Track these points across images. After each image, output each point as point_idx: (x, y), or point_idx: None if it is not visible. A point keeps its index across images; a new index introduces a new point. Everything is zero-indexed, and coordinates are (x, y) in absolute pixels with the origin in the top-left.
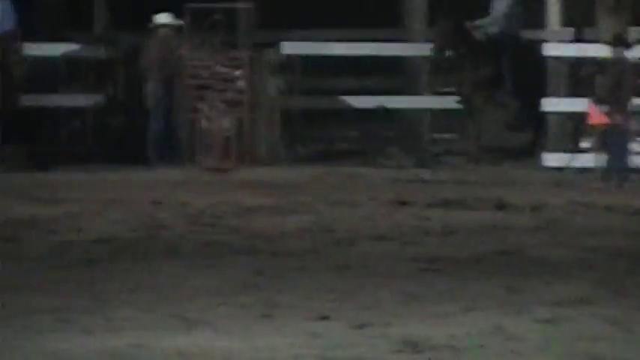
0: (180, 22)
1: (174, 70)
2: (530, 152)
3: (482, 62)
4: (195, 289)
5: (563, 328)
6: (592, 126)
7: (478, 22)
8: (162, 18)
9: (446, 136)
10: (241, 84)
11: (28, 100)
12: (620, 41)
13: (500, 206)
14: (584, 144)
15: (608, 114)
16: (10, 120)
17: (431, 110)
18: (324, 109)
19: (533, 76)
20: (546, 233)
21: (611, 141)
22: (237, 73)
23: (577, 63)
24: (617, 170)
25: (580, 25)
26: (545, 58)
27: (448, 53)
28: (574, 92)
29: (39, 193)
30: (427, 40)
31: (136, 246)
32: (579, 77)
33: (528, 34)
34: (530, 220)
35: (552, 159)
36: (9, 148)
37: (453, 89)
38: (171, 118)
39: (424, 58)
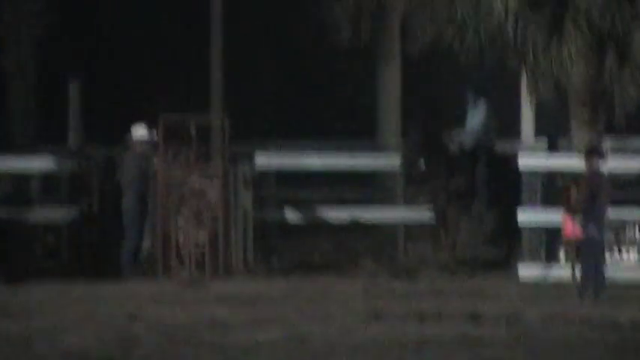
0: (155, 135)
1: (149, 183)
2: (505, 264)
3: (456, 173)
4: None
5: None
6: (567, 238)
7: (453, 134)
8: (139, 131)
9: (420, 248)
10: (216, 197)
11: (4, 214)
12: (594, 152)
13: (475, 319)
14: (560, 256)
15: (582, 226)
16: None
17: (404, 222)
18: (298, 221)
19: (508, 187)
20: (522, 347)
21: (586, 253)
22: (212, 185)
23: (551, 174)
24: (592, 283)
25: (554, 136)
26: (519, 170)
27: (419, 164)
28: (549, 203)
29: (13, 308)
30: (401, 152)
31: None
32: (554, 189)
33: (502, 146)
34: (506, 333)
35: (527, 271)
36: None
37: (426, 201)
38: (148, 231)
39: (398, 169)
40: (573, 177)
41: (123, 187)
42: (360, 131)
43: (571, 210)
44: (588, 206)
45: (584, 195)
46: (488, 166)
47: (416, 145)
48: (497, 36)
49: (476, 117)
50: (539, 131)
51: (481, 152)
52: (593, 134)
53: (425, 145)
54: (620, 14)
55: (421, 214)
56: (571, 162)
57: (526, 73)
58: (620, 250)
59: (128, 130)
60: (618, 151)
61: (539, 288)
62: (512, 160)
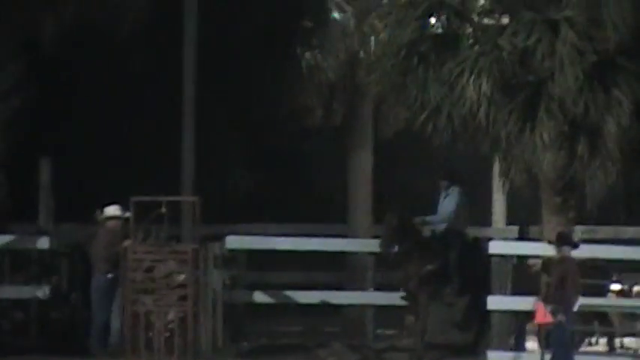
0: (128, 214)
1: (119, 263)
2: (473, 350)
3: (428, 258)
4: None
5: None
6: (538, 324)
7: (426, 219)
8: (111, 210)
9: (390, 332)
10: (185, 278)
11: None
12: (565, 240)
13: None
14: (528, 343)
15: (552, 313)
16: None
17: (374, 306)
18: (268, 303)
19: (479, 273)
20: None
21: (555, 340)
22: (182, 266)
23: (521, 262)
24: None
25: (525, 223)
26: (489, 256)
27: (395, 248)
28: (519, 290)
29: None
30: (372, 236)
31: None
32: (524, 275)
33: (474, 232)
34: None
35: (496, 357)
36: None
37: (397, 285)
38: (117, 310)
39: (369, 253)
40: (544, 264)
41: (93, 266)
42: (331, 215)
43: (542, 297)
44: (558, 292)
45: (555, 281)
46: (459, 251)
47: (393, 229)
48: (469, 121)
49: (448, 202)
50: (510, 217)
51: (453, 237)
52: (563, 222)
53: (401, 229)
54: (593, 102)
55: (391, 297)
56: (541, 249)
57: (498, 158)
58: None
59: (98, 209)
60: (588, 239)
61: None
62: (483, 245)
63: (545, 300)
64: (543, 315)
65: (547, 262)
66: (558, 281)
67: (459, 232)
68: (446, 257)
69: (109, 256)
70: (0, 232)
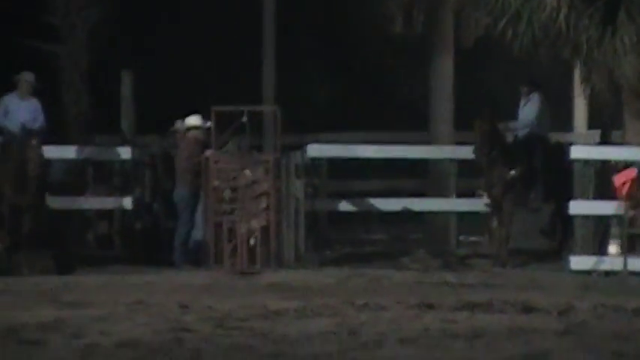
0: (209, 124)
1: (201, 173)
2: (557, 255)
3: (512, 164)
4: None
5: None
6: (621, 190)
7: (509, 124)
8: (192, 120)
9: (473, 238)
10: (268, 187)
11: (55, 203)
12: None
13: (527, 309)
14: (611, 247)
15: None
16: (37, 221)
17: (457, 212)
18: (350, 212)
19: (562, 178)
20: (573, 337)
21: None
22: (264, 176)
23: (604, 165)
24: None
25: (607, 127)
26: (571, 161)
27: (490, 154)
28: (601, 195)
29: (65, 296)
30: (454, 143)
31: (161, 350)
32: (607, 180)
33: (556, 137)
34: (557, 324)
35: (579, 262)
36: (35, 251)
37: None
38: (200, 221)
39: (450, 160)
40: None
41: (176, 177)
42: (413, 123)
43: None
44: None
45: None
46: (543, 157)
47: (484, 135)
48: (550, 27)
49: (530, 108)
50: (592, 123)
51: (536, 143)
52: None
53: (490, 135)
54: None
55: (474, 204)
56: (624, 153)
57: (579, 64)
58: None
59: (179, 120)
60: None
61: (590, 279)
62: (565, 150)
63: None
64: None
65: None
66: None
67: (542, 138)
68: (529, 163)
69: (191, 167)
70: (83, 143)
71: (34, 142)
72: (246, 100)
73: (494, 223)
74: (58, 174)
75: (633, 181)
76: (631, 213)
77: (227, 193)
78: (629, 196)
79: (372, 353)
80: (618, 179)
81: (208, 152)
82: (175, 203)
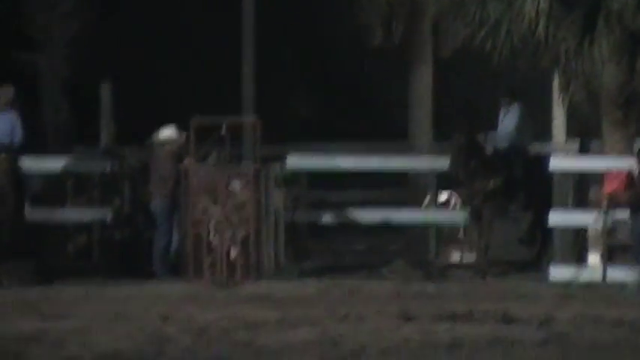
0: (185, 135)
1: (180, 184)
2: (537, 265)
3: (492, 175)
4: None
5: None
6: (607, 194)
7: (488, 135)
8: (165, 133)
9: (452, 248)
10: (247, 198)
11: (36, 214)
12: None
13: (507, 320)
14: (591, 257)
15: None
16: (16, 234)
17: (437, 223)
18: (330, 223)
19: (542, 189)
20: (553, 348)
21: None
22: (243, 186)
23: (582, 176)
24: None
25: (586, 137)
26: (551, 171)
27: (466, 165)
28: (580, 205)
29: (45, 308)
30: (433, 153)
31: None
32: (586, 190)
33: (535, 147)
34: (538, 334)
35: (559, 272)
36: (15, 263)
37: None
38: (178, 232)
39: (430, 171)
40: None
41: (153, 188)
42: (392, 134)
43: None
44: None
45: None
46: (523, 167)
47: (461, 148)
48: (529, 37)
49: (510, 119)
50: (571, 132)
51: (516, 154)
52: (624, 136)
53: (468, 147)
54: None
55: (453, 215)
56: (602, 164)
57: (558, 73)
58: None
59: (155, 132)
60: None
61: (570, 289)
62: (545, 161)
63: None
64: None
65: (613, 197)
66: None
67: (522, 148)
68: (510, 174)
69: (167, 179)
70: (62, 155)
71: (3, 155)
72: (225, 111)
73: (475, 234)
74: (37, 186)
75: (621, 180)
76: (605, 204)
77: (207, 204)
78: (612, 195)
79: None
80: (609, 175)
81: (187, 162)
82: (154, 214)
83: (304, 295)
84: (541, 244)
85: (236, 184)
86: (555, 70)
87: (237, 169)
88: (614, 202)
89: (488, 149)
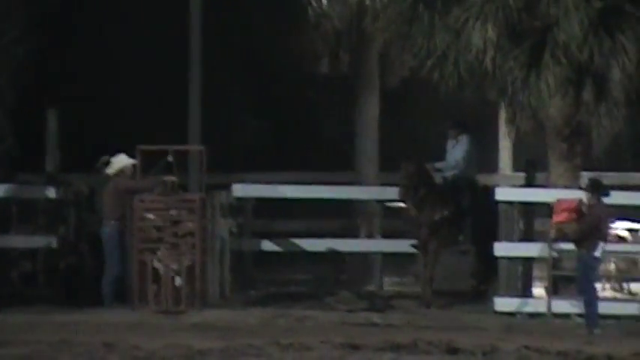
0: (134, 162)
1: (127, 212)
2: (481, 296)
3: (440, 205)
4: None
5: None
6: (556, 223)
7: (437, 165)
8: (122, 161)
9: (397, 279)
10: (192, 226)
11: None
12: (597, 187)
13: (452, 350)
14: (536, 289)
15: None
16: None
17: (382, 253)
18: (276, 252)
19: (488, 220)
20: None
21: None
22: (189, 215)
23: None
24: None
25: (532, 169)
26: (497, 202)
27: (415, 195)
28: (526, 236)
29: None
30: (379, 184)
31: None
32: (531, 222)
33: (482, 179)
34: None
35: (504, 304)
36: None
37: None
38: (124, 259)
39: (376, 201)
40: (558, 229)
41: (103, 216)
42: (338, 163)
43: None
44: (585, 237)
45: (586, 227)
46: (471, 198)
47: (410, 177)
48: (476, 68)
49: (458, 149)
50: (517, 164)
51: (464, 185)
52: (570, 168)
53: (417, 176)
54: (598, 48)
55: (398, 245)
56: (547, 195)
57: (505, 105)
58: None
59: (105, 157)
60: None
61: (515, 321)
62: (492, 192)
63: (577, 245)
64: (560, 213)
65: (560, 229)
66: (589, 227)
67: (470, 180)
68: (457, 204)
69: (119, 206)
70: (7, 181)
71: None
72: (172, 138)
73: (420, 265)
74: None
75: (571, 211)
76: (552, 233)
77: (152, 232)
78: (560, 223)
79: None
80: (559, 204)
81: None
82: (103, 242)
83: (249, 324)
84: (486, 276)
85: (183, 213)
86: (502, 101)
87: (183, 197)
88: (561, 233)
89: (437, 179)
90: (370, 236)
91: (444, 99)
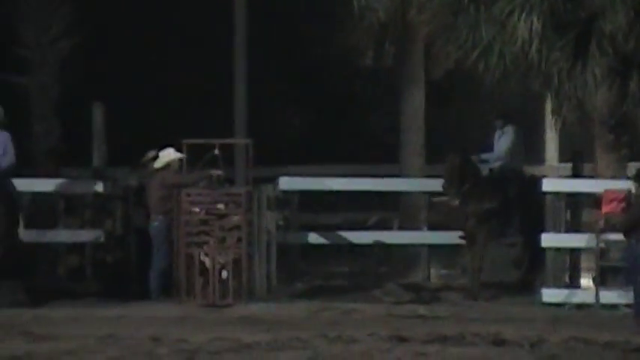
0: (181, 156)
1: (174, 206)
2: (528, 288)
3: (487, 197)
4: None
5: None
6: (604, 214)
7: (483, 157)
8: (170, 155)
9: (444, 271)
10: (238, 220)
11: (27, 235)
12: None
13: (499, 342)
14: (583, 280)
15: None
16: (8, 254)
17: (428, 245)
18: (322, 244)
19: (536, 211)
20: None
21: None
22: (236, 208)
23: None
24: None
25: (579, 159)
26: (543, 193)
27: (461, 187)
28: (573, 227)
29: (36, 330)
30: (424, 176)
31: None
32: (579, 212)
33: (529, 170)
34: (529, 357)
35: (551, 295)
36: (6, 283)
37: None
38: (171, 253)
39: (422, 193)
40: (607, 220)
41: (150, 211)
42: (383, 156)
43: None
44: (633, 227)
45: (633, 217)
46: (518, 189)
47: (455, 169)
48: (521, 59)
49: (504, 141)
50: (564, 155)
51: (510, 176)
52: (616, 159)
53: (463, 168)
54: None
55: (444, 237)
56: (594, 185)
57: (550, 96)
58: None
59: (152, 151)
60: None
61: (562, 312)
62: (539, 183)
63: (625, 235)
64: (608, 203)
65: (608, 219)
66: (637, 217)
67: (516, 171)
68: (504, 196)
69: (166, 200)
70: (54, 176)
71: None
72: (218, 132)
73: (468, 256)
74: (29, 207)
75: (619, 201)
76: (601, 223)
77: (198, 226)
78: (608, 214)
79: None
80: (607, 195)
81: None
82: (151, 236)
83: (296, 317)
84: (533, 267)
85: (229, 206)
86: (548, 93)
87: (229, 190)
88: (609, 224)
89: (483, 171)
90: (416, 228)
91: (489, 91)
